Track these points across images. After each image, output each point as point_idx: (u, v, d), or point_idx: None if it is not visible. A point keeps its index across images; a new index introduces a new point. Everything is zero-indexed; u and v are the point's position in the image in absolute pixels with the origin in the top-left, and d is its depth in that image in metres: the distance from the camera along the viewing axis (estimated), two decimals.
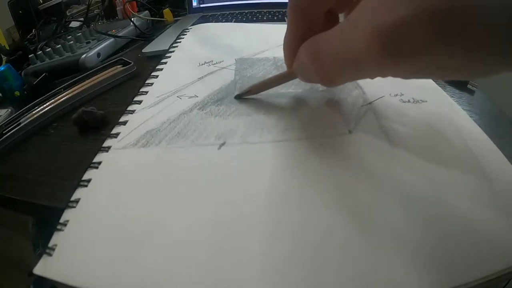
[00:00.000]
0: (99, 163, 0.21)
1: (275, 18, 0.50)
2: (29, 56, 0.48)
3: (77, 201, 0.18)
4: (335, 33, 0.15)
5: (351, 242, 0.15)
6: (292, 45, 0.19)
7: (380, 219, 0.16)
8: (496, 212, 0.16)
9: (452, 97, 0.25)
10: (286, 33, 0.20)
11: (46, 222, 0.21)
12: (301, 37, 0.18)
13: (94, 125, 0.29)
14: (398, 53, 0.12)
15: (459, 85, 0.29)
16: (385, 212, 0.16)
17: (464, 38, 0.11)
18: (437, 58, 0.12)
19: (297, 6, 0.18)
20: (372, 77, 0.15)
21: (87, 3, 0.68)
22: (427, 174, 0.18)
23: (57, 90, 0.36)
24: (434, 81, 0.27)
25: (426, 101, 0.24)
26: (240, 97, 0.26)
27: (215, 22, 0.51)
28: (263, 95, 0.25)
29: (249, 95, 0.25)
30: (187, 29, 0.41)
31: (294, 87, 0.26)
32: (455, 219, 0.15)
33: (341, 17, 0.21)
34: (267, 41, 0.35)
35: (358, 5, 0.13)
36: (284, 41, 0.20)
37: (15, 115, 0.33)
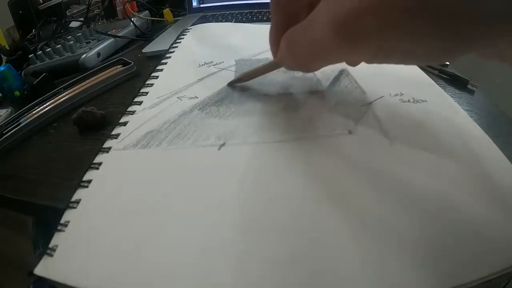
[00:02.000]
0: (100, 164, 0.21)
1: None
2: (29, 56, 0.48)
3: (77, 201, 0.18)
4: (304, 23, 0.16)
5: (351, 242, 0.15)
6: (275, 36, 0.21)
7: (380, 219, 0.16)
8: (496, 212, 0.16)
9: (452, 97, 0.25)
10: (270, 24, 0.21)
11: (46, 222, 0.21)
12: (283, 29, 0.19)
13: (94, 125, 0.29)
14: (351, 40, 0.13)
15: (459, 85, 0.29)
16: (385, 212, 0.16)
17: (409, 27, 0.12)
18: (385, 45, 0.13)
19: (278, 0, 0.20)
20: (341, 61, 0.17)
21: (87, 3, 0.68)
22: (427, 174, 0.18)
23: (57, 90, 0.36)
24: (434, 81, 0.27)
25: (426, 101, 0.24)
26: (232, 84, 0.28)
27: (215, 22, 0.51)
28: (253, 82, 0.27)
29: (240, 82, 0.28)
30: (187, 29, 0.41)
31: (281, 74, 0.28)
32: (455, 219, 0.15)
33: None
34: (267, 41, 0.35)
35: None
36: (269, 32, 0.21)
37: (15, 115, 0.34)
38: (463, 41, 0.12)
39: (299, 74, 0.29)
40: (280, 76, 0.28)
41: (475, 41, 0.12)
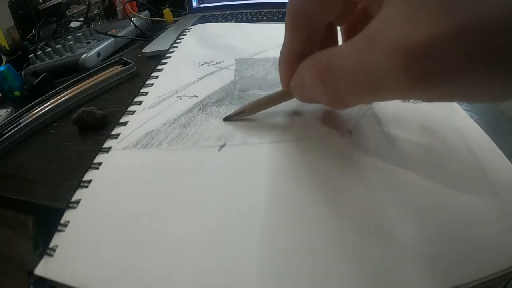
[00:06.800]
0: (100, 164, 0.21)
1: (275, 18, 0.50)
2: (29, 56, 0.48)
3: (77, 202, 0.18)
4: (350, 49, 0.13)
5: (351, 242, 0.15)
6: (291, 60, 0.17)
7: (380, 219, 0.16)
8: (496, 212, 0.16)
9: None
10: (283, 47, 0.18)
11: (46, 222, 0.21)
12: (300, 51, 0.16)
13: (94, 125, 0.29)
14: (424, 76, 0.11)
15: None
16: (385, 212, 0.16)
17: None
18: (471, 84, 0.10)
19: (301, 16, 0.16)
20: (390, 99, 0.14)
21: (87, 3, 0.68)
22: (427, 174, 0.18)
23: (57, 90, 0.36)
24: None
25: None
26: (229, 119, 0.23)
27: (215, 22, 0.51)
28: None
29: (241, 117, 0.22)
30: (187, 29, 0.41)
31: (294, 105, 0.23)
32: (455, 219, 0.15)
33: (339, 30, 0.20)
34: (267, 41, 0.35)
35: (377, 17, 0.12)
36: (280, 55, 0.18)
37: (15, 115, 0.34)
38: None
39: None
40: None
41: None
